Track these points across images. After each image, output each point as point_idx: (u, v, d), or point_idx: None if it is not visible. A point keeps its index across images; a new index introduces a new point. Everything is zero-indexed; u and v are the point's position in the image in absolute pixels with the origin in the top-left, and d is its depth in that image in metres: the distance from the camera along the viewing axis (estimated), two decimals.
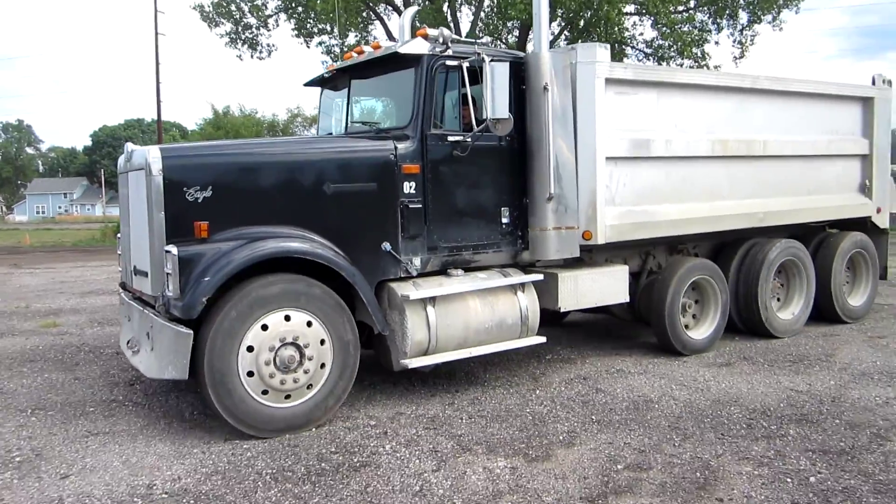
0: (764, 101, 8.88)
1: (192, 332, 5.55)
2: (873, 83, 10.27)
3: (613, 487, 4.86)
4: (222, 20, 26.37)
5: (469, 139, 6.81)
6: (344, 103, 7.89)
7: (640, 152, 7.74)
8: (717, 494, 4.72)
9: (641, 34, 26.32)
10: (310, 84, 8.40)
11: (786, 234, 9.56)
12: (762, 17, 24.31)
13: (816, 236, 10.17)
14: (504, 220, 7.27)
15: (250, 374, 5.73)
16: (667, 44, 25.00)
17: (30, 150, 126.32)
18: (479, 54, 6.75)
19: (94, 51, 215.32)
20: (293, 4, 25.48)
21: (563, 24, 24.88)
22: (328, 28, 25.28)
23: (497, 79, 6.46)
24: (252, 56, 27.16)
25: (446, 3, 26.25)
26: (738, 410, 6.42)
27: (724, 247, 9.31)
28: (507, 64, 6.65)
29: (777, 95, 9.04)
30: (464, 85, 6.83)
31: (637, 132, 7.70)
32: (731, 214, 8.58)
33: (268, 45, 27.18)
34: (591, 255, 7.97)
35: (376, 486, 4.92)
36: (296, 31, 26.30)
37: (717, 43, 26.07)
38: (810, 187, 9.47)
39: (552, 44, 24.80)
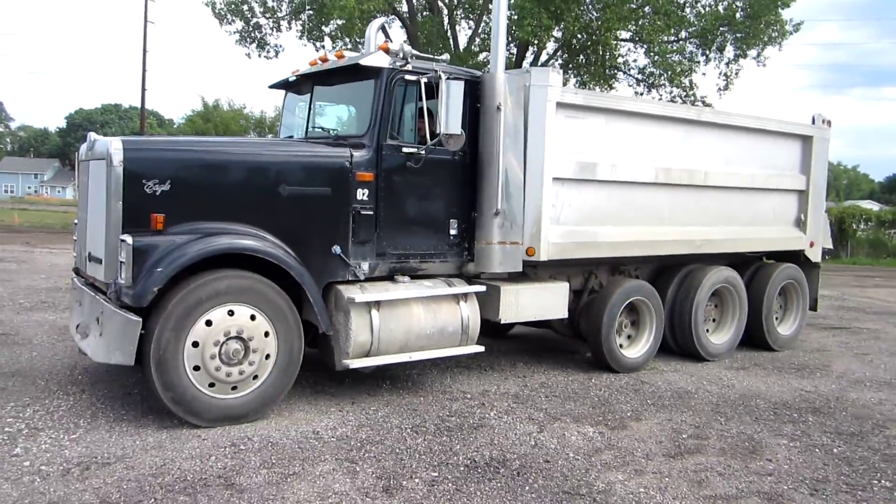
0: (708, 133, 9.31)
1: (140, 319, 5.75)
2: (813, 122, 10.77)
3: (685, 449, 6.25)
4: (234, 18, 26.56)
5: (423, 152, 7.11)
6: (306, 108, 8.13)
7: (587, 175, 8.09)
8: (766, 457, 6.14)
9: (635, 61, 27.04)
10: (275, 86, 8.62)
11: (723, 262, 10.00)
12: (747, 52, 25.08)
13: (752, 265, 10.63)
14: (452, 232, 7.57)
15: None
16: (657, 72, 25.81)
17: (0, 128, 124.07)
18: (436, 71, 7.06)
19: (73, 33, 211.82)
20: (305, 8, 25.61)
21: (559, 44, 25.36)
22: (339, 34, 25.46)
23: (452, 96, 6.76)
24: (260, 55, 27.37)
25: (447, 18, 26.62)
26: (762, 402, 7.79)
27: (663, 270, 9.71)
28: (463, 82, 6.97)
29: (721, 128, 9.49)
30: (421, 99, 7.13)
31: (584, 155, 8.06)
32: (671, 240, 8.98)
33: (275, 46, 27.37)
34: (535, 271, 8.30)
35: (499, 440, 6.20)
36: (301, 34, 26.47)
37: (703, 74, 26.86)
38: (748, 218, 9.93)
39: (547, 63, 25.76)
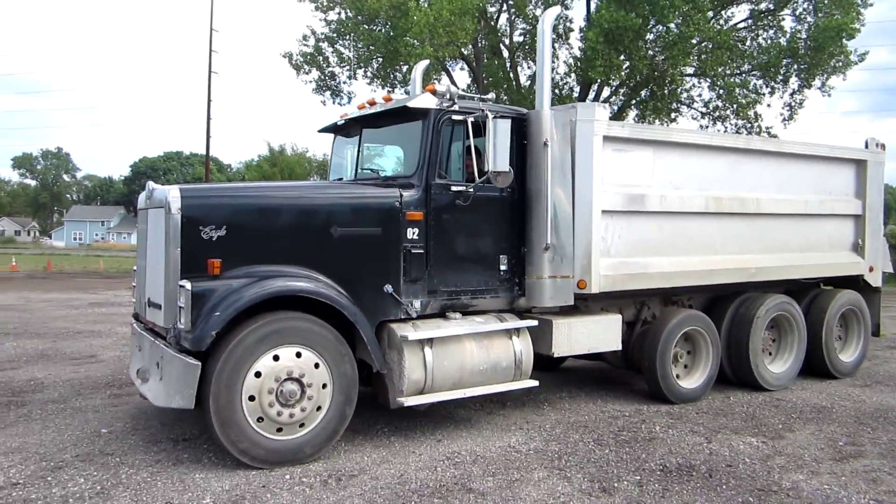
0: (758, 161, 9.23)
1: (199, 363, 5.87)
2: (866, 146, 10.60)
3: (846, 454, 6.86)
4: (310, 68, 27.61)
5: (471, 189, 7.19)
6: (355, 150, 8.28)
7: (635, 206, 8.07)
8: None
9: (700, 95, 27.33)
10: (324, 130, 8.81)
11: (780, 290, 9.83)
12: (812, 82, 25.02)
13: (810, 293, 10.43)
14: (502, 268, 7.60)
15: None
16: (722, 104, 26.13)
17: (66, 178, 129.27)
18: (483, 110, 7.16)
19: (135, 84, 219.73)
20: (372, 60, 26.43)
21: (631, 84, 25.75)
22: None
23: (499, 134, 6.84)
24: (335, 102, 28.39)
25: (508, 61, 27.24)
26: None
27: (717, 299, 9.58)
28: (510, 120, 7.05)
29: (770, 156, 9.41)
30: (468, 138, 7.22)
31: (633, 187, 8.05)
32: (724, 269, 8.87)
33: (349, 93, 28.33)
34: (587, 304, 8.26)
35: (676, 449, 6.87)
36: (370, 81, 27.37)
37: (769, 105, 27.23)
38: (802, 245, 9.76)
39: (609, 100, 26.49)
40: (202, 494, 5.56)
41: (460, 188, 7.22)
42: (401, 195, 6.99)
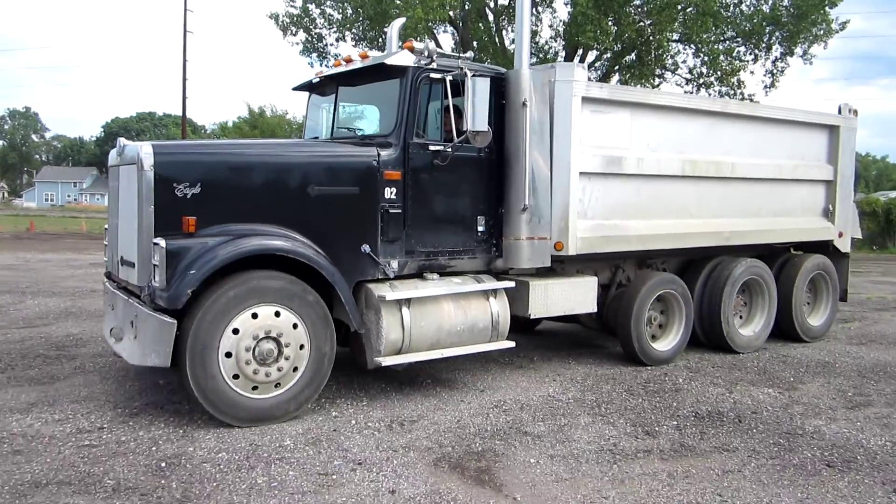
0: (734, 125, 9.27)
1: (175, 321, 5.80)
2: (839, 112, 10.67)
3: (856, 403, 7.42)
4: (297, 30, 27.18)
5: (449, 149, 7.11)
6: (331, 109, 8.16)
7: (613, 169, 8.07)
8: None
9: (685, 61, 27.41)
10: (299, 88, 8.66)
11: (751, 254, 9.93)
12: (794, 50, 25.25)
13: (780, 257, 10.55)
14: (480, 229, 7.57)
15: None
16: (706, 71, 26.18)
17: (35, 138, 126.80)
18: (462, 69, 7.07)
19: (104, 44, 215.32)
20: (358, 20, 26.04)
21: (618, 49, 25.72)
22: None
23: (478, 93, 6.75)
24: (322, 64, 27.91)
25: (493, 25, 27.10)
26: None
27: (691, 263, 9.66)
28: (489, 79, 6.95)
29: (746, 120, 9.44)
30: (446, 97, 7.13)
31: (610, 149, 8.04)
32: (698, 232, 8.94)
33: (336, 55, 27.88)
34: (563, 266, 8.29)
35: (702, 398, 7.41)
36: (356, 43, 26.95)
37: (752, 72, 27.16)
38: (776, 210, 9.86)
39: (595, 63, 26.19)
40: (281, 437, 5.90)
41: (438, 148, 7.15)
42: (378, 154, 6.91)
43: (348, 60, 7.87)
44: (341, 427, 6.22)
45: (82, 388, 7.21)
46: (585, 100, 7.72)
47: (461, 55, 7.53)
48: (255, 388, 6.11)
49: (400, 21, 8.78)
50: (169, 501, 4.71)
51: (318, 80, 8.26)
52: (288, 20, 27.05)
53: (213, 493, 4.85)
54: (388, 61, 7.13)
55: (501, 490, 5.07)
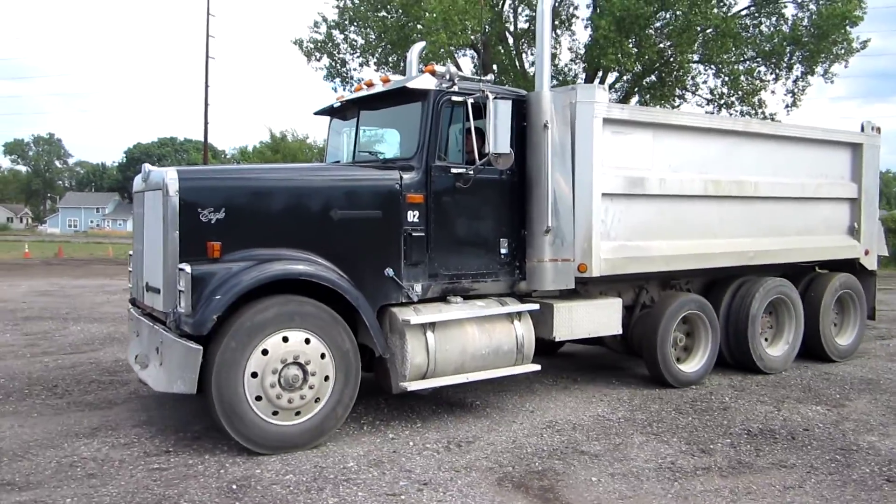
0: (756, 144, 9.21)
1: (201, 348, 5.78)
2: (862, 130, 10.60)
3: None
4: (321, 55, 27.79)
5: (471, 172, 7.10)
6: (352, 133, 8.18)
7: (636, 189, 8.03)
8: None
9: (705, 82, 27.73)
10: (320, 113, 8.71)
11: (777, 273, 9.84)
12: (815, 69, 25.39)
13: (806, 276, 10.44)
14: (503, 251, 7.54)
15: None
16: (728, 91, 26.52)
17: (58, 164, 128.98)
18: (483, 91, 7.08)
19: (124, 68, 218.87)
20: (385, 42, 26.39)
21: (639, 71, 25.98)
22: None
23: (499, 115, 6.74)
24: (345, 88, 28.37)
25: (514, 49, 27.55)
26: None
27: (715, 283, 9.56)
28: (510, 101, 6.95)
29: (768, 139, 9.38)
30: (468, 120, 7.14)
31: (632, 170, 8.00)
32: (722, 252, 8.86)
33: (359, 80, 28.31)
34: (587, 288, 8.22)
35: (751, 416, 7.48)
36: (377, 68, 27.48)
37: (773, 92, 27.36)
38: (799, 228, 9.76)
39: (629, 92, 26.75)
40: (344, 459, 6.02)
41: (460, 170, 7.14)
42: (401, 177, 6.91)
43: (369, 85, 7.90)
44: (400, 448, 6.33)
45: (141, 412, 7.33)
46: (607, 121, 7.70)
47: (482, 78, 7.55)
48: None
49: (420, 45, 8.85)
50: None
51: (339, 104, 8.30)
52: (312, 46, 27.50)
53: None
54: (410, 85, 7.15)
55: None
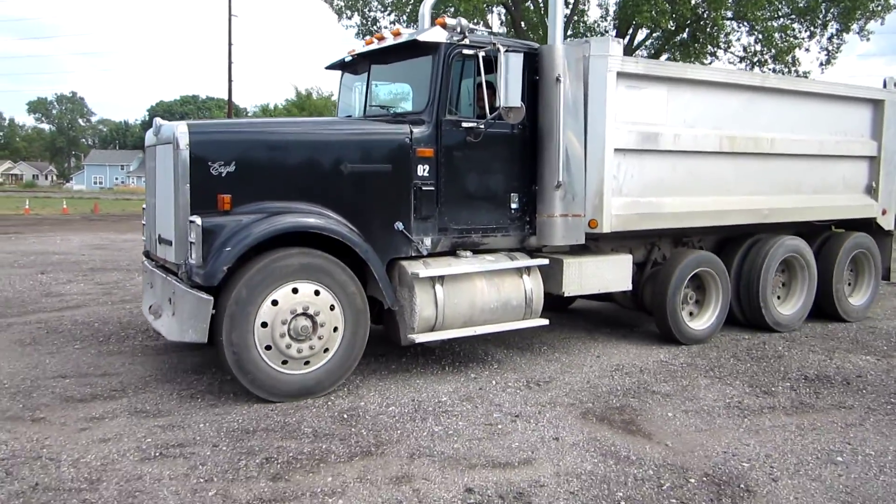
0: (773, 100, 9.06)
1: (212, 298, 5.88)
2: (884, 86, 10.40)
3: None
4: (352, 13, 27.68)
5: (482, 126, 7.07)
6: (363, 87, 8.15)
7: (649, 145, 7.96)
8: None
9: (738, 39, 27.49)
10: (331, 67, 8.66)
11: (791, 232, 9.76)
12: (850, 26, 25.07)
13: (821, 235, 10.36)
14: (513, 206, 7.53)
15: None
16: (761, 49, 26.38)
17: (81, 123, 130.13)
18: (494, 44, 7.01)
19: (146, 27, 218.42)
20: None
21: (672, 28, 25.67)
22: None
23: (511, 69, 6.69)
24: None
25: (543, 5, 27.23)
26: None
27: (728, 241, 9.52)
28: (522, 54, 6.89)
29: (786, 94, 9.23)
30: (479, 73, 7.08)
31: (646, 125, 7.93)
32: (736, 210, 8.80)
33: None
34: (597, 244, 8.22)
35: (806, 363, 7.91)
36: (408, 24, 27.15)
37: (807, 49, 26.97)
38: (816, 186, 9.66)
39: (660, 50, 26.33)
40: (437, 395, 6.54)
41: (471, 124, 7.11)
42: (411, 131, 6.90)
43: (380, 38, 7.84)
44: (485, 386, 6.84)
45: None
46: (620, 75, 7.61)
47: (494, 31, 7.47)
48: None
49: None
50: (366, 444, 5.34)
51: (350, 58, 8.25)
52: (342, 3, 27.23)
53: (400, 438, 5.48)
54: (421, 38, 7.09)
55: (652, 438, 5.63)
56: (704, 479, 4.90)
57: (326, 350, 6.34)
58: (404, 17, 27.29)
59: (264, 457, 5.06)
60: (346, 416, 5.92)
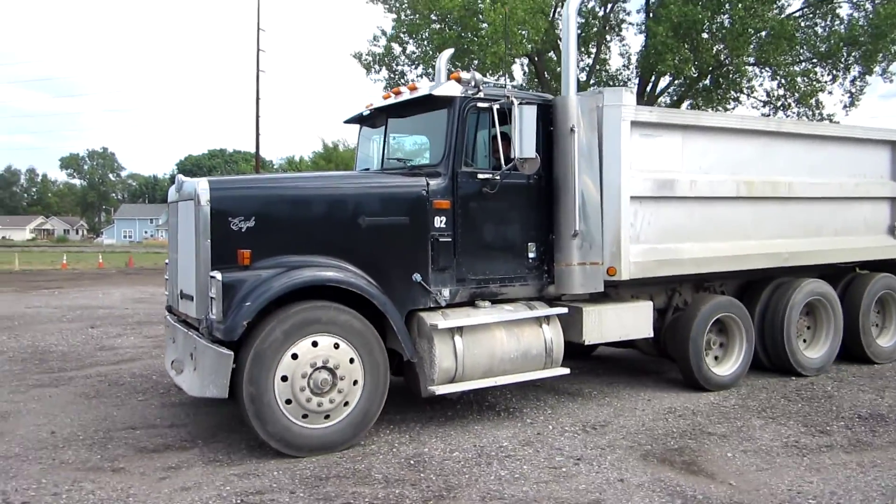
0: (789, 144, 9.08)
1: (232, 353, 5.92)
2: None
3: None
4: (380, 68, 28.20)
5: (498, 177, 7.16)
6: (381, 140, 8.29)
7: (665, 192, 7.99)
8: None
9: (761, 84, 27.68)
10: (349, 121, 8.83)
11: (814, 274, 9.68)
12: (872, 69, 25.17)
13: (845, 277, 10.26)
14: (531, 255, 7.56)
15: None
16: (784, 93, 26.53)
17: (112, 177, 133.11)
18: (508, 97, 7.13)
19: (174, 82, 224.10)
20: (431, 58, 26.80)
21: (694, 74, 26.05)
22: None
23: (525, 120, 6.79)
24: None
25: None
26: None
27: (750, 285, 9.45)
28: (535, 106, 6.99)
29: (803, 139, 9.26)
30: (494, 125, 7.18)
31: (662, 173, 7.96)
32: (756, 254, 8.75)
33: None
34: (617, 291, 8.20)
35: (857, 403, 8.00)
36: (433, 78, 27.63)
37: (830, 93, 27.14)
38: (837, 228, 9.60)
39: (682, 97, 26.81)
40: (497, 440, 6.68)
41: (487, 176, 7.19)
42: (427, 184, 6.98)
43: (397, 92, 8.00)
44: (543, 431, 6.98)
45: None
46: (635, 124, 7.68)
47: (508, 84, 7.59)
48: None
49: (448, 52, 8.91)
50: (437, 489, 5.49)
51: (368, 112, 8.41)
52: (370, 59, 27.78)
53: (469, 482, 5.63)
54: (436, 92, 7.23)
55: (715, 478, 5.77)
56: None
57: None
58: (431, 70, 27.72)
59: (342, 502, 5.22)
60: (412, 462, 6.09)
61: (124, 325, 14.45)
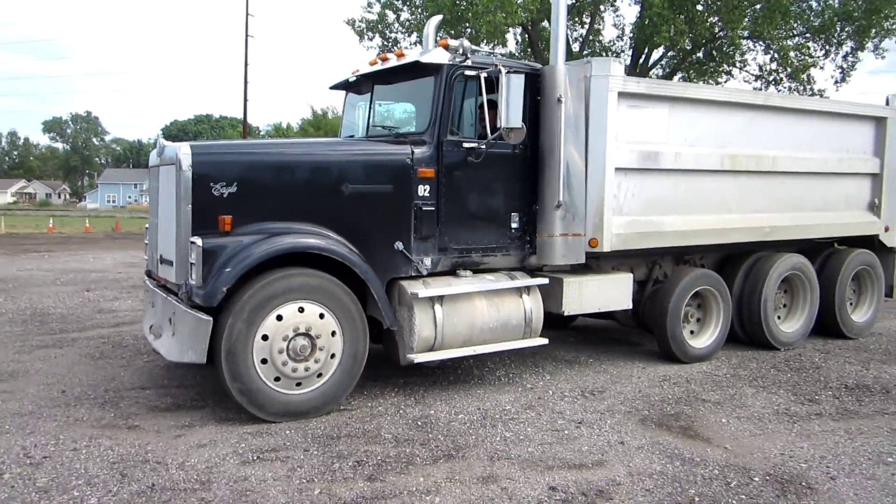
0: (775, 118, 9.08)
1: (211, 318, 5.90)
2: (887, 103, 10.41)
3: None
4: (374, 35, 27.89)
5: (483, 146, 7.11)
6: (367, 107, 8.20)
7: (650, 164, 7.97)
8: None
9: (755, 59, 27.88)
10: (335, 87, 8.71)
11: (793, 249, 9.76)
12: (865, 44, 25.19)
13: (823, 252, 10.36)
14: (513, 225, 7.55)
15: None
16: (777, 67, 26.57)
17: (95, 142, 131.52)
18: (496, 65, 7.05)
19: (162, 47, 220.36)
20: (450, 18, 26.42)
21: (689, 46, 25.92)
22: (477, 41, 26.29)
23: (512, 89, 6.73)
24: None
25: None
26: None
27: (730, 258, 9.52)
28: (523, 75, 6.94)
29: (789, 113, 9.25)
30: (481, 94, 7.12)
31: (647, 145, 7.94)
32: (738, 228, 8.80)
33: None
34: (598, 263, 8.23)
35: (844, 374, 8.25)
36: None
37: (821, 68, 27.20)
38: (818, 204, 9.65)
39: (674, 69, 26.75)
40: (500, 404, 6.88)
41: (472, 145, 7.14)
42: (412, 152, 6.93)
43: (384, 59, 7.89)
44: (543, 396, 7.20)
45: None
46: (622, 95, 7.63)
47: (496, 52, 7.50)
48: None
49: (437, 19, 8.76)
50: (447, 448, 5.70)
51: (354, 78, 8.30)
52: (364, 26, 27.49)
53: (476, 443, 5.84)
54: (423, 59, 7.13)
55: (711, 442, 6.02)
56: (767, 478, 5.28)
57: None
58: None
59: (355, 460, 5.41)
60: (419, 423, 6.29)
61: (119, 289, 14.42)
